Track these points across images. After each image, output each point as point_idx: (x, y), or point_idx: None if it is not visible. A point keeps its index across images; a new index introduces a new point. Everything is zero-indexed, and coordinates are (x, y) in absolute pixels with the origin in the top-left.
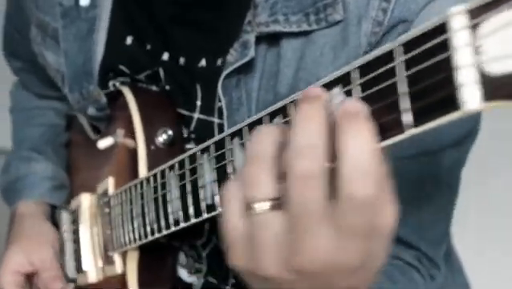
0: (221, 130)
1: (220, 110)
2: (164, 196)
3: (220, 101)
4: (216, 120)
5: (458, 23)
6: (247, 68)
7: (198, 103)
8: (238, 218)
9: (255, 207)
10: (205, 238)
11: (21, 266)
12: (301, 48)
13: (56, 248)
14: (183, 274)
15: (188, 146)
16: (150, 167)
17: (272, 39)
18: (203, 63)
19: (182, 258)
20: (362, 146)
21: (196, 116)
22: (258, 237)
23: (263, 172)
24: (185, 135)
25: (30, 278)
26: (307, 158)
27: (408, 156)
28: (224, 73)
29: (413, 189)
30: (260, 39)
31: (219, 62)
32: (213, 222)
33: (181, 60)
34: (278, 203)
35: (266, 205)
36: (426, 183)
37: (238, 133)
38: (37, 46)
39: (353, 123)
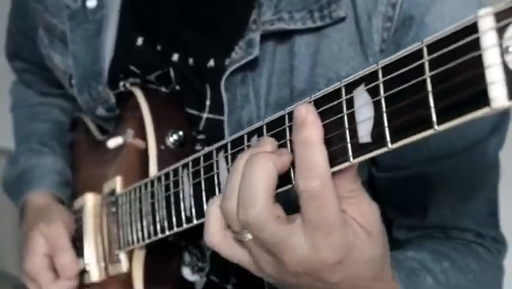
0: None
1: None
2: (176, 194)
3: None
4: (225, 119)
5: (486, 25)
6: (254, 66)
7: (207, 102)
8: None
9: (242, 238)
10: None
11: (43, 247)
12: (314, 44)
13: (72, 229)
14: (186, 272)
15: (196, 148)
16: (160, 167)
17: (281, 37)
18: (211, 63)
19: (186, 256)
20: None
21: (205, 115)
22: (256, 258)
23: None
24: (194, 134)
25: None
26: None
27: (460, 151)
28: (228, 71)
29: (466, 182)
30: (267, 37)
31: (227, 62)
32: None
33: (190, 61)
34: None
35: (248, 236)
36: (475, 173)
37: (258, 131)
38: (44, 49)
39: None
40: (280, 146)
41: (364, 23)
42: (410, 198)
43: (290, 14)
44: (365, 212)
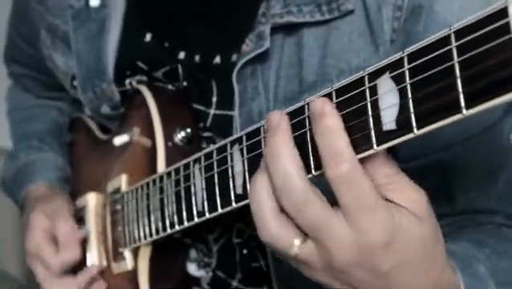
0: None
1: None
2: (187, 188)
3: None
4: (235, 113)
5: None
6: (263, 58)
7: (214, 99)
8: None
9: (290, 256)
10: (217, 232)
11: (45, 224)
12: (323, 36)
13: (72, 207)
14: (191, 268)
15: (203, 146)
16: (168, 164)
17: (289, 30)
18: (217, 59)
19: (192, 252)
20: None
21: (212, 111)
22: (311, 265)
23: (279, 230)
24: (200, 131)
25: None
26: (293, 191)
27: (474, 135)
28: (240, 63)
29: (486, 164)
30: (276, 30)
31: (234, 57)
32: (227, 218)
33: (197, 58)
34: (303, 238)
35: (295, 249)
36: (496, 154)
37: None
38: (46, 49)
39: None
40: (300, 135)
41: (374, 13)
42: (433, 187)
43: (299, 8)
44: (411, 197)
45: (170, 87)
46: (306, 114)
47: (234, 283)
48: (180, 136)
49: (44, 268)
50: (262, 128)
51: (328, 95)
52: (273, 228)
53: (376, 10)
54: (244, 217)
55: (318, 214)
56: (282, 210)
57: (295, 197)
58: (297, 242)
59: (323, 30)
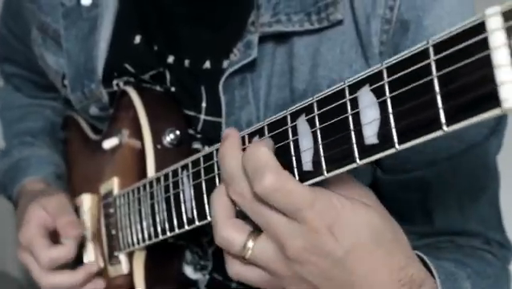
0: None
1: None
2: (176, 195)
3: None
4: (223, 121)
5: (494, 24)
6: (253, 67)
7: (203, 104)
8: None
9: (245, 255)
10: (210, 235)
11: (42, 218)
12: (314, 45)
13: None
14: (188, 270)
15: (195, 146)
16: (158, 167)
17: (280, 38)
18: (207, 64)
19: (188, 255)
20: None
21: (202, 117)
22: (264, 263)
23: (232, 232)
24: (192, 133)
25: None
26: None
27: (459, 153)
28: (226, 73)
29: (468, 184)
30: (267, 39)
31: (225, 64)
32: None
33: (186, 62)
34: (253, 234)
35: (248, 252)
36: (479, 175)
37: (260, 132)
38: (37, 48)
39: None
40: (282, 146)
41: (363, 26)
42: (414, 204)
43: (288, 17)
44: (359, 192)
45: (158, 88)
46: (289, 124)
47: (233, 285)
48: (169, 138)
49: (35, 262)
50: (246, 136)
51: (309, 106)
52: (226, 231)
53: (365, 22)
54: None
55: (294, 196)
56: (236, 216)
57: (272, 178)
58: (250, 243)
59: (314, 39)
